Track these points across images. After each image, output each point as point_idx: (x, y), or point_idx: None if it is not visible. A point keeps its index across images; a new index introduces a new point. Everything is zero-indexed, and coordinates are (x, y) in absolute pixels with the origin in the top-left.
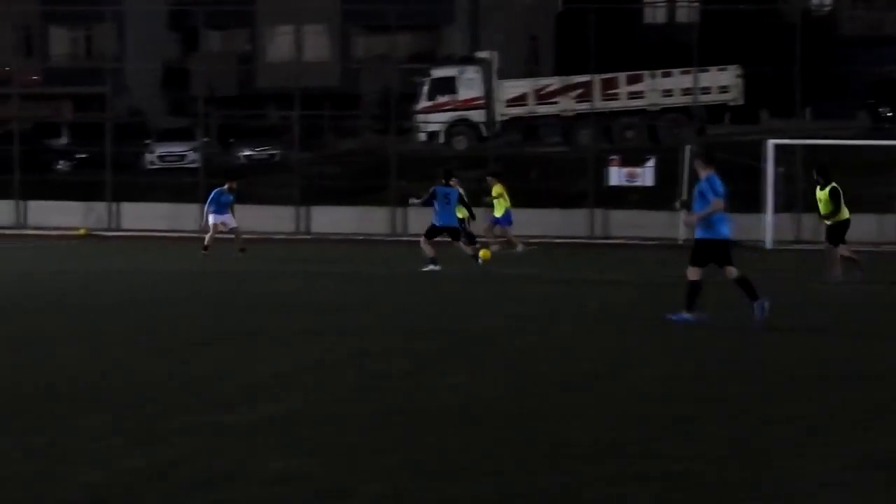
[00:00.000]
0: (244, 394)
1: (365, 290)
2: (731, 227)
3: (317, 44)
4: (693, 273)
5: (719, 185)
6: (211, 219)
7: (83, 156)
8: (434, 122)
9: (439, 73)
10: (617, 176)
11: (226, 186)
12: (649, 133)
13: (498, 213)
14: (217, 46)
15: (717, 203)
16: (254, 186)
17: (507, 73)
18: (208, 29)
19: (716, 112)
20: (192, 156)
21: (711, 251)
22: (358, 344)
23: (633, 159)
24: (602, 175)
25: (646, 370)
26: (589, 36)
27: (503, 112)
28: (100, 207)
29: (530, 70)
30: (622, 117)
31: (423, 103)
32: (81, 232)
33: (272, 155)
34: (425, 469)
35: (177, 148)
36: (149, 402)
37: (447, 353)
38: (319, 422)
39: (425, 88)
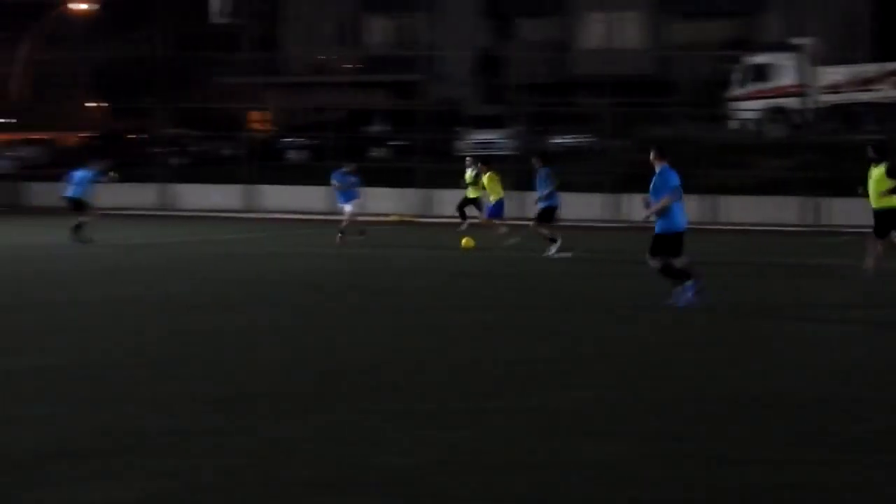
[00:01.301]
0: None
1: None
2: (686, 218)
3: (630, 31)
4: (655, 262)
5: (673, 178)
6: (348, 207)
7: (397, 143)
8: (748, 109)
9: (754, 60)
10: None
11: (345, 169)
12: None
13: (492, 199)
14: (530, 34)
15: (665, 199)
16: (565, 174)
17: (823, 60)
18: (522, 17)
19: None
20: (503, 143)
21: (669, 242)
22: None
23: None
24: None
25: None
26: None
27: (820, 99)
28: (412, 194)
29: (847, 56)
30: None
31: (737, 90)
32: (393, 218)
33: (584, 142)
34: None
35: (489, 135)
36: (463, 385)
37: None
38: (618, 407)
39: (739, 76)
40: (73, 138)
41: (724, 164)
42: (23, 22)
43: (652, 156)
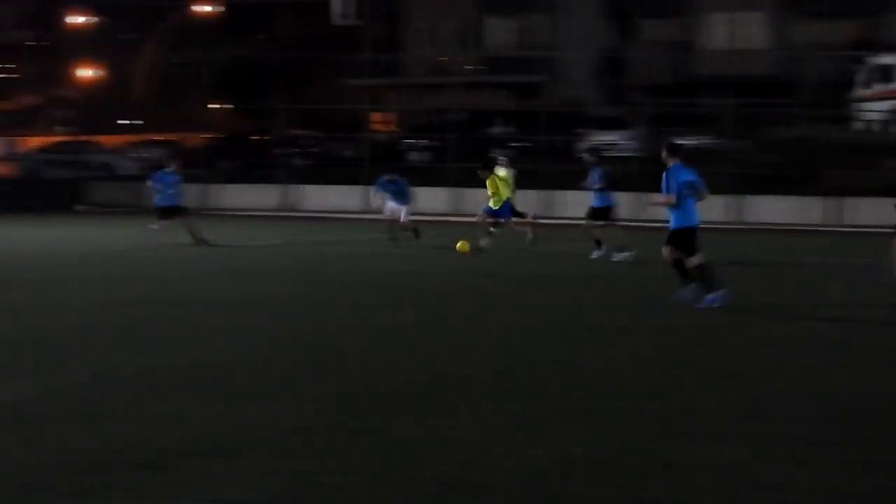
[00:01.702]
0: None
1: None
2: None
3: (753, 31)
4: (670, 253)
5: (683, 176)
6: (403, 211)
7: (518, 144)
8: (873, 110)
9: (879, 60)
10: None
11: (386, 177)
12: None
13: (498, 201)
14: (652, 35)
15: (668, 197)
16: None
17: None
18: (644, 17)
19: None
20: (624, 144)
21: (684, 238)
22: None
23: None
24: None
25: None
26: None
27: None
28: (532, 196)
29: None
30: None
31: (862, 91)
32: (520, 220)
33: (706, 143)
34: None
35: (610, 137)
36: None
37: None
38: (746, 414)
39: (864, 76)
40: (197, 140)
41: (848, 164)
42: (148, 24)
43: (664, 154)
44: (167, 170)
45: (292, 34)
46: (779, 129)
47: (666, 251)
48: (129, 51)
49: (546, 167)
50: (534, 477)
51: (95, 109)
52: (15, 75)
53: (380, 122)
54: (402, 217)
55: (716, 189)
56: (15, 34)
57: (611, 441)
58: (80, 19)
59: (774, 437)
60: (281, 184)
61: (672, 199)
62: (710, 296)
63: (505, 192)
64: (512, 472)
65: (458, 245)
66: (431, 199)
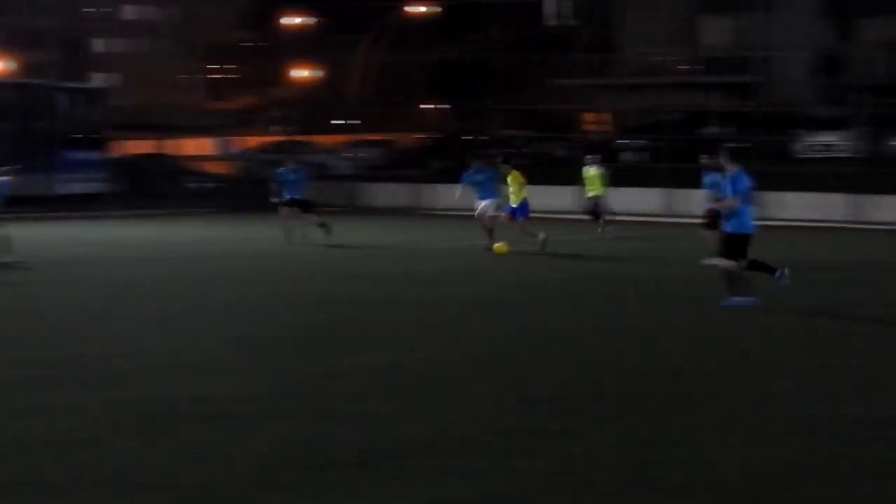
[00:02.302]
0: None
1: None
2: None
3: None
4: (727, 263)
5: (745, 182)
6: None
7: (734, 145)
8: None
9: None
10: None
11: (475, 166)
12: None
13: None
14: (872, 34)
15: (732, 200)
16: None
17: None
18: (863, 16)
19: None
20: (844, 146)
21: (738, 244)
22: None
23: None
24: None
25: None
26: None
27: None
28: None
29: None
30: None
31: None
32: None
33: None
34: None
35: (829, 138)
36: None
37: None
38: None
39: None
40: (410, 140)
41: None
42: (363, 24)
43: (724, 159)
44: (288, 167)
45: (505, 35)
46: None
47: (721, 259)
48: (344, 51)
49: (765, 168)
50: (751, 478)
51: (311, 109)
52: (233, 76)
53: (592, 122)
54: (490, 212)
55: None
56: (233, 35)
57: (823, 445)
58: (297, 20)
59: None
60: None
61: (737, 202)
62: (737, 299)
63: (523, 191)
64: (725, 476)
65: (496, 247)
66: (643, 200)
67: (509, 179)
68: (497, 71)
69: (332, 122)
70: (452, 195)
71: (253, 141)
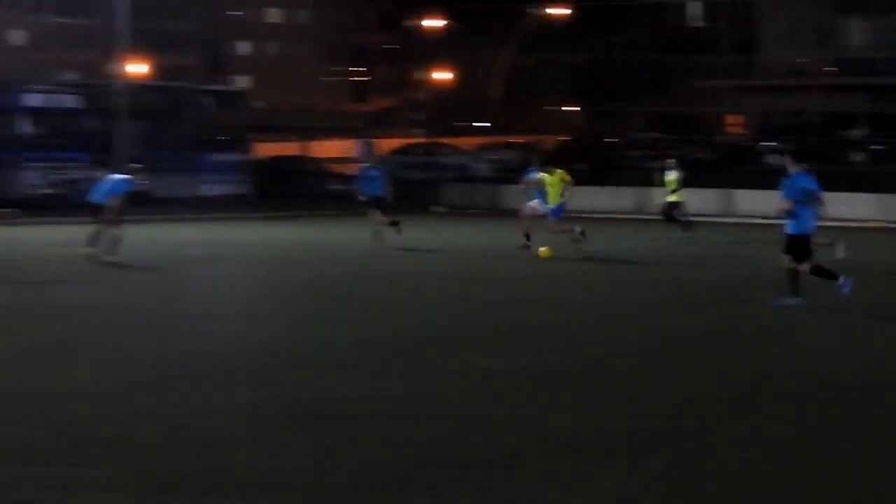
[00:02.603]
0: None
1: None
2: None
3: None
4: (788, 261)
5: (802, 183)
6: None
7: (879, 147)
8: None
9: None
10: None
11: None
12: None
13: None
14: None
15: (787, 202)
16: None
17: None
18: None
19: None
20: None
21: (800, 244)
22: None
23: None
24: None
25: None
26: None
27: None
28: (890, 199)
29: None
30: None
31: None
32: (873, 224)
33: None
34: None
35: None
36: None
37: None
38: None
39: None
40: (549, 141)
41: None
42: (501, 27)
43: (788, 161)
44: (369, 165)
45: (646, 36)
46: None
47: (784, 259)
48: (482, 53)
49: None
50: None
51: (449, 112)
52: (370, 78)
53: (734, 124)
54: (544, 214)
55: None
56: (372, 37)
57: None
58: (435, 23)
59: None
60: (634, 186)
61: (790, 205)
62: (792, 300)
63: (565, 193)
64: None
65: (542, 251)
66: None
67: (554, 180)
68: (637, 73)
69: (473, 124)
70: (596, 198)
71: (391, 143)
